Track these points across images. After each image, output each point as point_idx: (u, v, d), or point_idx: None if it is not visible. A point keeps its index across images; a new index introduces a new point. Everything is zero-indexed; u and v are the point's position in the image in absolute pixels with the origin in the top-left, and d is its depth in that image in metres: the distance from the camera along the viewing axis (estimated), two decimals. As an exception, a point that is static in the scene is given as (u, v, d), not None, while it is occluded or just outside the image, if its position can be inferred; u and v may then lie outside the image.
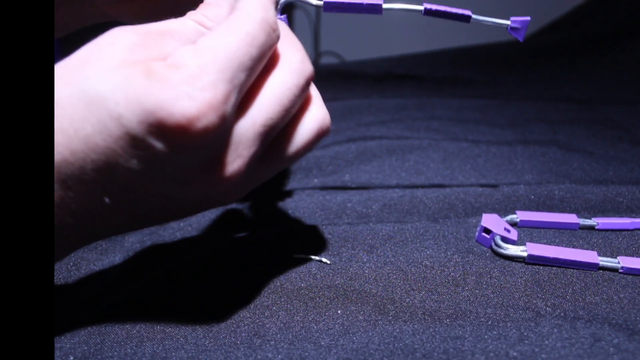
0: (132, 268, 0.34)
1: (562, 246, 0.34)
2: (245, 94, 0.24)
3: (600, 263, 0.32)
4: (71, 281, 0.34)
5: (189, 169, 0.23)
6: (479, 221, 0.37)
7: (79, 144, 0.21)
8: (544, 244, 0.35)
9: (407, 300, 0.30)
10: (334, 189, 0.44)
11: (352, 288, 0.31)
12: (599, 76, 0.81)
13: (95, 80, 0.21)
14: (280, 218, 0.40)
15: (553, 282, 0.31)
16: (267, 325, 0.29)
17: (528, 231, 0.37)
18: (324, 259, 0.33)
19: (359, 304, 0.30)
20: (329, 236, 0.36)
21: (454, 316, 0.29)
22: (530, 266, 0.33)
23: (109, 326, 0.29)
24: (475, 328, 0.28)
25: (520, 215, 0.38)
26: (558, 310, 0.29)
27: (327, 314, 0.30)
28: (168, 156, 0.22)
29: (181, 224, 0.39)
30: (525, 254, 0.33)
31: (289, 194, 0.43)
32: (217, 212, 0.40)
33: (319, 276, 0.32)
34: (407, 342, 0.27)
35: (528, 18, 0.32)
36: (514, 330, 0.28)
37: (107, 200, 0.23)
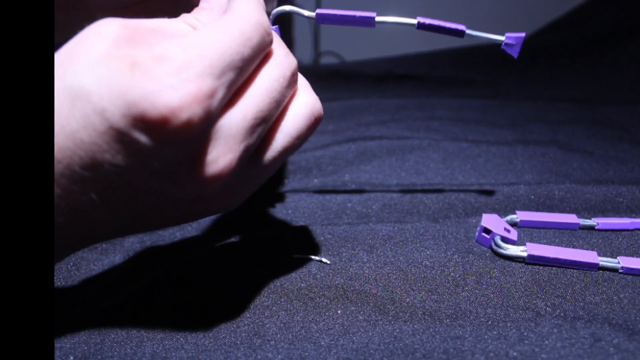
0: (132, 268, 0.34)
1: (562, 246, 0.34)
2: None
3: (600, 263, 0.32)
4: (71, 281, 0.34)
5: (175, 164, 0.22)
6: (479, 221, 0.37)
7: (66, 140, 0.21)
8: (544, 244, 0.35)
9: (407, 300, 0.30)
10: (334, 189, 0.44)
11: (352, 288, 0.31)
12: (599, 76, 0.81)
13: (79, 75, 0.21)
14: (280, 218, 0.40)
15: (553, 282, 0.31)
16: (267, 325, 0.29)
17: (528, 231, 0.37)
18: (324, 259, 0.33)
19: (359, 304, 0.30)
20: (329, 236, 0.36)
21: (454, 316, 0.29)
22: (530, 266, 0.33)
23: (109, 326, 0.29)
24: (475, 328, 0.28)
25: (520, 215, 0.38)
26: (558, 310, 0.29)
27: (327, 314, 0.30)
28: (153, 150, 0.21)
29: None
30: (525, 254, 0.33)
31: (289, 194, 0.43)
32: (217, 212, 0.40)
33: (319, 276, 0.32)
34: (407, 342, 0.27)
35: (523, 34, 0.32)
36: (514, 330, 0.28)
37: (95, 197, 0.22)
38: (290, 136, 0.26)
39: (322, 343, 0.28)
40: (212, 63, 0.21)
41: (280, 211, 0.41)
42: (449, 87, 0.78)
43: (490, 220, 0.35)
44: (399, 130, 0.58)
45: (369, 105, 0.65)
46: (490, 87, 0.78)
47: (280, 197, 0.43)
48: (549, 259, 0.32)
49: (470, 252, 0.34)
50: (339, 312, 0.30)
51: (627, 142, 0.55)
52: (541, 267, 0.32)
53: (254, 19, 0.23)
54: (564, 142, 0.55)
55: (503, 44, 0.32)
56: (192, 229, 0.39)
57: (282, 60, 0.25)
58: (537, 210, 0.40)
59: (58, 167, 0.21)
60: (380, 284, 0.31)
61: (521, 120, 0.62)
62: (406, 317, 0.29)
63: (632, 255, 0.34)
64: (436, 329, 0.28)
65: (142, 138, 0.21)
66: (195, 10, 0.26)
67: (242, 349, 0.27)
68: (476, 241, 0.35)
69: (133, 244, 0.37)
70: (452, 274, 0.32)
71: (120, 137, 0.21)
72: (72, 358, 0.27)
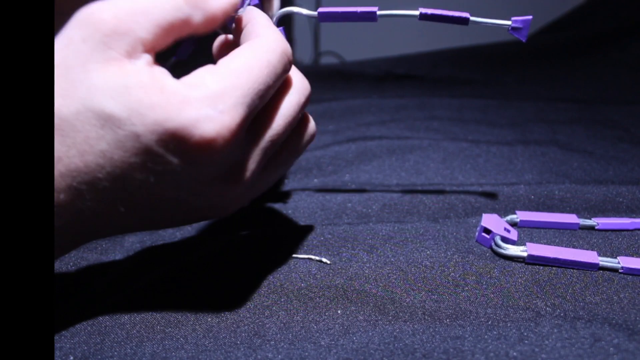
0: (132, 268, 0.34)
1: (562, 246, 0.34)
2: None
3: (600, 263, 0.32)
4: (71, 281, 0.34)
5: (201, 182, 0.24)
6: (479, 221, 0.37)
7: (94, 157, 0.22)
8: (544, 244, 0.35)
9: (407, 300, 0.30)
10: (334, 189, 0.44)
11: (352, 288, 0.31)
12: (599, 76, 0.81)
13: (101, 99, 0.21)
14: (280, 218, 0.40)
15: (553, 282, 0.31)
16: (267, 325, 0.29)
17: (528, 231, 0.37)
18: (324, 259, 0.33)
19: (359, 304, 0.30)
20: (329, 236, 0.36)
21: (454, 316, 0.29)
22: (530, 266, 0.33)
23: (109, 326, 0.29)
24: (475, 328, 0.28)
25: (520, 215, 0.38)
26: (558, 310, 0.29)
27: (327, 314, 0.30)
28: (183, 170, 0.23)
29: (181, 224, 0.39)
30: (525, 254, 0.33)
31: (289, 194, 0.43)
32: (217, 212, 0.40)
33: (319, 276, 0.32)
34: (407, 342, 0.27)
35: (530, 17, 0.31)
36: (514, 330, 0.28)
37: (121, 208, 0.24)
38: (295, 153, 0.28)
39: (322, 343, 0.28)
40: (244, 93, 0.23)
41: (280, 211, 0.41)
42: (449, 87, 0.78)
43: (490, 220, 0.35)
44: (399, 130, 0.58)
45: (369, 105, 0.65)
46: (490, 87, 0.78)
47: (280, 197, 0.43)
48: (549, 259, 0.32)
49: (470, 252, 0.34)
50: (339, 312, 0.30)
51: (627, 142, 0.55)
52: (541, 267, 0.32)
53: (279, 49, 0.25)
54: (564, 142, 0.55)
55: (510, 28, 0.32)
56: (192, 229, 0.39)
57: (299, 86, 0.27)
58: (537, 210, 0.40)
59: (84, 178, 0.22)
60: (380, 284, 0.31)
61: (521, 120, 0.62)
62: (406, 317, 0.29)
63: (632, 255, 0.34)
64: (436, 329, 0.28)
65: (174, 160, 0.22)
66: None
67: (242, 349, 0.27)
68: (476, 241, 0.35)
69: (133, 244, 0.37)
70: (452, 274, 0.32)
71: (153, 159, 0.22)
72: (72, 358, 0.27)
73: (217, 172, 0.24)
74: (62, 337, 0.28)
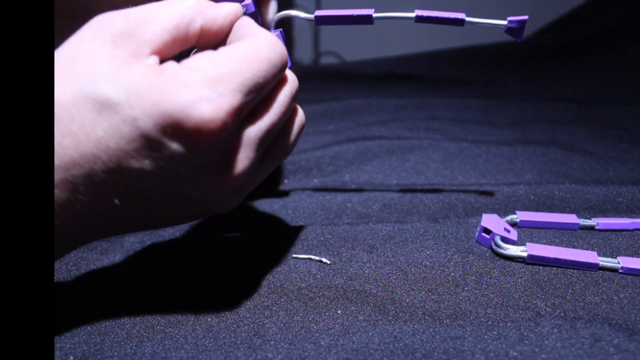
0: (132, 268, 0.34)
1: (562, 246, 0.34)
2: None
3: (600, 263, 0.32)
4: (71, 281, 0.34)
5: (199, 169, 0.24)
6: (479, 221, 0.37)
7: (90, 146, 0.22)
8: (544, 244, 0.35)
9: (407, 300, 0.30)
10: (334, 189, 0.44)
11: (352, 288, 0.31)
12: (599, 76, 0.81)
13: (102, 85, 0.21)
14: (280, 218, 0.40)
15: (553, 282, 0.31)
16: (267, 325, 0.29)
17: (528, 231, 0.37)
18: (324, 259, 0.33)
19: (359, 304, 0.30)
20: (329, 236, 0.36)
21: (454, 316, 0.29)
22: (530, 266, 0.33)
23: (109, 326, 0.29)
24: (475, 328, 0.28)
25: (520, 215, 0.38)
26: (558, 310, 0.29)
27: (327, 314, 0.30)
28: (181, 156, 0.22)
29: (181, 224, 0.39)
30: (525, 254, 0.33)
31: (289, 194, 0.43)
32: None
33: (319, 276, 0.32)
34: (407, 342, 0.27)
35: (526, 17, 0.31)
36: (514, 330, 0.28)
37: (117, 201, 0.23)
38: (289, 144, 0.29)
39: (322, 343, 0.28)
40: (244, 82, 0.23)
41: (280, 211, 0.41)
42: (449, 87, 0.78)
43: (490, 220, 0.35)
44: (399, 130, 0.58)
45: (369, 105, 0.65)
46: (490, 87, 0.78)
47: (280, 197, 0.43)
48: (549, 259, 0.32)
49: (470, 252, 0.34)
50: (339, 312, 0.30)
51: (627, 142, 0.55)
52: (541, 267, 0.32)
53: (279, 49, 0.25)
54: (564, 142, 0.55)
55: (506, 28, 0.32)
56: (191, 228, 0.39)
57: (291, 79, 0.28)
58: (537, 210, 0.40)
59: (79, 171, 0.22)
60: (380, 284, 0.31)
61: (521, 120, 0.62)
62: (406, 317, 0.29)
63: (632, 255, 0.34)
64: (436, 329, 0.28)
65: (172, 145, 0.22)
66: None
67: (242, 349, 0.27)
68: (476, 241, 0.35)
69: (133, 244, 0.37)
70: (452, 274, 0.32)
71: (150, 144, 0.22)
72: (72, 358, 0.27)
73: (215, 159, 0.24)
74: (62, 337, 0.28)
